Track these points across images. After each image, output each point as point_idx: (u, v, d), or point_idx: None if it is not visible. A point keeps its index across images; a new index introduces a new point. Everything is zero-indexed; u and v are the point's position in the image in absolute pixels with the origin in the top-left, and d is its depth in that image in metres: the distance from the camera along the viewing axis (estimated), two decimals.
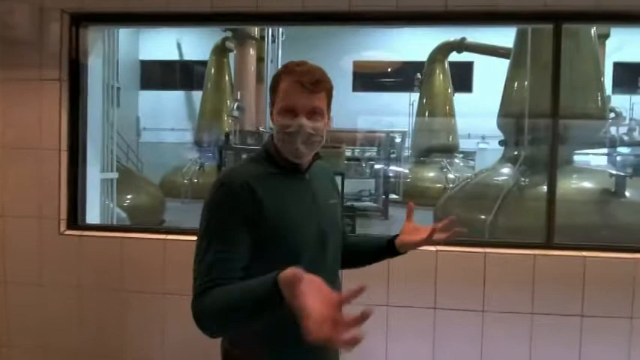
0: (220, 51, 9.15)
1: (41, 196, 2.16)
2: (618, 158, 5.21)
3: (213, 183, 0.98)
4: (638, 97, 7.39)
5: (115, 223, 2.82)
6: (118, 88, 3.11)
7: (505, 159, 4.58)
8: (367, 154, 8.75)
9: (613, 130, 5.60)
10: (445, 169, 8.60)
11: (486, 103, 5.55)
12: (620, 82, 8.46)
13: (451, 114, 9.45)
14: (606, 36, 6.20)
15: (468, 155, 10.04)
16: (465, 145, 9.92)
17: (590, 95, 4.02)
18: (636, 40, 7.78)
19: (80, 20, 2.23)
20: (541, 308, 1.92)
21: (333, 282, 1.02)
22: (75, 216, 2.22)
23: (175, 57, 11.88)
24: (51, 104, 2.19)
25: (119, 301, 2.11)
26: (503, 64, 5.04)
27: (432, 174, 8.78)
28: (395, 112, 9.84)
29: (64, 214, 2.19)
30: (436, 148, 9.13)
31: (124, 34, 9.30)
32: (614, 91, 7.52)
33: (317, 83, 0.94)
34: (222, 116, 8.37)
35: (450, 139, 9.41)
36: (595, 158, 5.08)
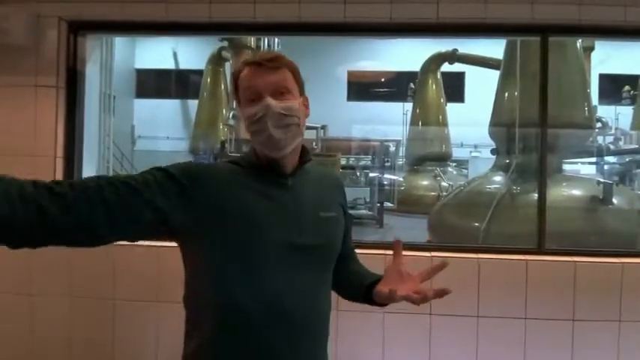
0: (216, 60, 9.23)
1: None
2: (605, 167, 5.33)
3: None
4: (623, 108, 7.59)
5: None
6: (114, 97, 3.12)
7: (497, 167, 4.66)
8: (362, 163, 8.82)
9: (600, 139, 5.73)
10: (439, 178, 8.69)
11: (478, 113, 5.66)
12: (605, 93, 8.69)
13: (444, 123, 9.61)
14: (591, 48, 6.40)
15: (461, 164, 10.16)
16: (457, 153, 10.05)
17: (577, 105, 4.13)
18: (620, 52, 8.04)
19: (78, 28, 2.26)
20: (534, 313, 1.94)
21: (314, 305, 0.85)
22: None
23: (171, 66, 11.93)
24: (47, 111, 2.19)
25: (110, 310, 2.09)
26: (493, 75, 5.16)
27: (425, 182, 8.86)
28: (389, 121, 9.96)
29: None
30: (430, 156, 9.24)
31: (120, 42, 9.33)
32: (600, 102, 7.75)
33: (275, 59, 0.84)
34: (217, 125, 8.39)
35: (443, 148, 9.53)
36: (583, 167, 5.19)
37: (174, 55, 11.91)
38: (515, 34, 2.54)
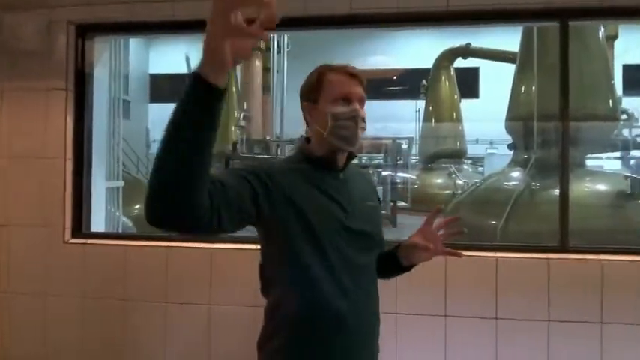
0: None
1: (46, 205, 2.17)
2: (632, 161, 5.07)
3: None
4: None
5: (120, 231, 2.82)
6: (128, 101, 3.15)
7: (515, 163, 4.50)
8: (375, 162, 8.70)
9: (625, 132, 5.46)
10: (453, 176, 8.49)
11: (494, 109, 5.49)
12: (630, 84, 8.27)
13: (458, 120, 9.38)
14: (614, 37, 6.11)
15: (477, 161, 9.90)
16: (473, 151, 9.80)
17: (600, 96, 3.93)
18: None
19: (86, 31, 2.28)
20: (557, 315, 1.83)
21: (368, 287, 1.00)
22: (80, 224, 2.23)
23: (184, 70, 12.13)
24: (57, 114, 2.22)
25: (123, 309, 2.09)
26: (509, 69, 4.99)
27: (440, 180, 8.67)
28: (401, 118, 9.81)
29: (68, 223, 2.20)
30: (443, 154, 9.03)
31: (133, 48, 9.54)
32: (624, 93, 7.36)
33: (360, 74, 1.02)
34: (229, 126, 8.45)
35: (458, 145, 9.31)
36: (607, 162, 4.94)
37: (187, 59, 12.11)
38: (532, 21, 2.41)
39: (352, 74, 1.00)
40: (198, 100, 0.66)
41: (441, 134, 9.27)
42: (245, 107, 6.32)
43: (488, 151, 10.13)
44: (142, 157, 10.06)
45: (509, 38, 5.43)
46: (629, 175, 3.58)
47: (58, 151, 2.19)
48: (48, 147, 2.19)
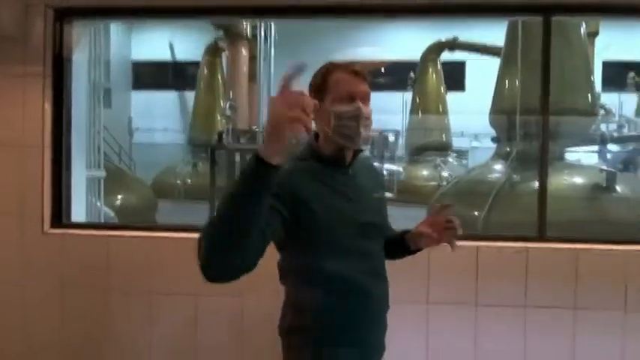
0: (213, 51, 9.09)
1: (24, 194, 2.11)
2: (609, 155, 5.26)
3: None
4: (627, 95, 7.45)
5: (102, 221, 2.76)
6: (109, 89, 3.06)
7: (498, 155, 4.60)
8: (361, 153, 8.72)
9: (603, 126, 5.64)
10: (439, 168, 8.62)
11: (479, 102, 5.56)
12: (609, 80, 8.51)
13: (444, 113, 9.49)
14: (595, 34, 6.26)
15: (462, 154, 10.07)
16: (458, 143, 9.95)
17: (580, 92, 4.04)
18: (624, 38, 7.87)
19: (64, 15, 2.19)
20: (534, 301, 1.91)
21: (381, 272, 1.09)
22: (59, 214, 2.17)
23: (168, 57, 11.79)
24: (34, 100, 2.13)
25: (105, 301, 2.06)
26: (494, 64, 5.05)
27: (425, 172, 8.79)
28: (388, 110, 9.84)
29: (47, 213, 2.14)
30: (430, 146, 9.15)
31: (115, 34, 9.20)
32: (603, 89, 7.59)
33: (364, 73, 1.05)
34: (215, 116, 8.31)
35: (444, 137, 9.44)
36: (586, 156, 5.12)
37: (171, 46, 11.77)
38: (516, 15, 2.45)
39: (356, 72, 1.02)
40: (259, 177, 0.79)
41: (427, 127, 9.37)
42: (231, 96, 6.21)
43: (473, 144, 10.30)
44: (125, 146, 9.82)
45: (495, 32, 5.49)
46: (605, 168, 3.72)
47: (35, 139, 2.12)
48: (25, 135, 2.12)
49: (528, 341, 1.91)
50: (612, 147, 5.41)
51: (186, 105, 11.00)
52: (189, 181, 7.71)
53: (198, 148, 8.44)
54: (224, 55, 8.73)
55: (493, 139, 4.91)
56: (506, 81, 4.51)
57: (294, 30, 7.93)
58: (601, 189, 3.51)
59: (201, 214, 6.10)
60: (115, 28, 9.02)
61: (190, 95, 10.00)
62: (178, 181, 7.76)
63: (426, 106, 9.49)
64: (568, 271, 1.90)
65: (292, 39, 8.16)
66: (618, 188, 3.52)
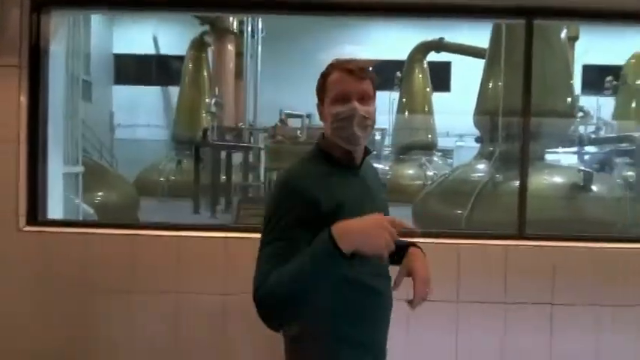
0: (198, 46, 8.93)
1: None
2: (586, 156, 5.44)
3: (275, 182, 1.09)
4: (605, 99, 7.73)
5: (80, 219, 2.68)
6: (90, 82, 2.96)
7: (481, 155, 4.70)
8: None
9: (582, 128, 5.83)
10: (424, 167, 8.74)
11: (464, 103, 5.66)
12: (588, 84, 8.80)
13: (430, 112, 9.62)
14: (575, 38, 6.46)
15: (447, 153, 10.25)
16: (443, 143, 10.11)
17: (560, 94, 4.17)
18: (603, 43, 8.15)
19: (41, 5, 2.10)
20: (513, 297, 1.95)
21: (387, 275, 1.09)
22: (35, 211, 2.09)
23: (151, 51, 11.50)
24: (10, 93, 2.04)
25: (84, 301, 2.00)
26: (480, 65, 5.14)
27: (411, 171, 8.91)
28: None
29: (22, 210, 2.05)
30: (415, 145, 9.27)
31: (96, 26, 8.90)
32: (582, 92, 7.85)
33: (363, 69, 1.01)
34: (199, 112, 8.17)
35: (429, 137, 9.58)
36: (566, 156, 5.28)
37: (155, 39, 11.50)
38: (501, 17, 2.50)
39: (351, 71, 0.99)
40: (333, 262, 0.85)
41: (413, 126, 9.48)
42: (217, 93, 6.11)
43: (458, 143, 10.49)
44: (107, 142, 9.55)
45: (480, 34, 5.58)
46: (582, 169, 3.85)
47: (11, 133, 2.03)
48: (0, 128, 2.03)
49: (507, 336, 1.96)
50: (590, 148, 5.60)
51: (170, 100, 10.78)
52: (173, 178, 7.57)
53: (182, 144, 8.29)
54: (210, 50, 8.59)
55: (477, 139, 5.02)
56: (490, 83, 4.60)
57: (281, 27, 7.85)
58: (578, 188, 3.63)
59: (184, 211, 5.99)
60: (96, 20, 8.74)
61: (174, 90, 9.80)
62: (162, 179, 7.61)
63: (412, 106, 9.60)
64: (546, 268, 1.95)
65: (280, 36, 8.08)
66: (594, 188, 3.65)
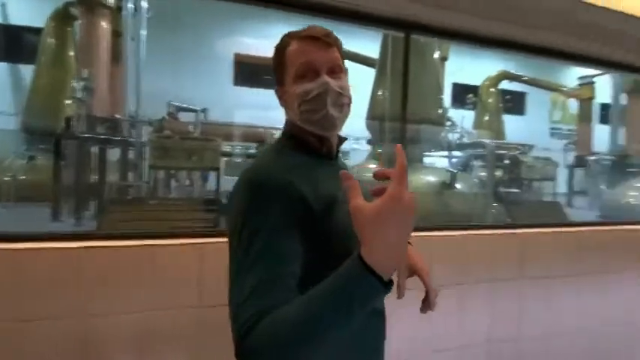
0: (62, 18, 7.34)
1: None
2: (453, 159, 6.50)
3: (240, 186, 0.75)
4: (467, 112, 9.56)
5: None
6: None
7: (372, 157, 5.12)
8: (250, 151, 8.45)
9: (450, 135, 6.95)
10: None
11: (359, 107, 6.03)
12: (455, 99, 10.71)
13: None
14: (445, 59, 7.59)
15: (344, 155, 10.90)
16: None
17: (432, 104, 4.81)
18: (469, 64, 9.87)
19: None
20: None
21: None
22: None
23: None
24: None
25: None
26: (372, 72, 5.55)
27: None
28: (277, 107, 9.84)
29: None
30: None
31: None
32: (451, 105, 9.56)
33: (329, 34, 0.81)
34: (62, 98, 6.74)
35: None
36: (439, 159, 6.19)
37: (3, 6, 9.10)
38: (384, 27, 2.67)
39: (314, 37, 0.78)
40: (372, 296, 0.62)
41: None
42: (86, 76, 5.10)
43: (353, 145, 11.25)
44: None
45: (372, 45, 6.02)
46: (449, 169, 4.55)
47: None
48: None
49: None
50: (456, 152, 6.70)
51: (20, 81, 8.67)
52: (23, 177, 6.07)
53: (36, 136, 6.74)
54: (77, 25, 7.18)
55: (368, 142, 5.49)
56: (379, 90, 5.02)
57: (172, 8, 7.08)
58: (446, 186, 4.25)
59: (38, 218, 4.83)
60: None
61: (27, 69, 7.90)
62: (7, 178, 6.03)
63: None
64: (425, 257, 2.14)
65: (170, 19, 7.27)
66: (458, 185, 4.32)
